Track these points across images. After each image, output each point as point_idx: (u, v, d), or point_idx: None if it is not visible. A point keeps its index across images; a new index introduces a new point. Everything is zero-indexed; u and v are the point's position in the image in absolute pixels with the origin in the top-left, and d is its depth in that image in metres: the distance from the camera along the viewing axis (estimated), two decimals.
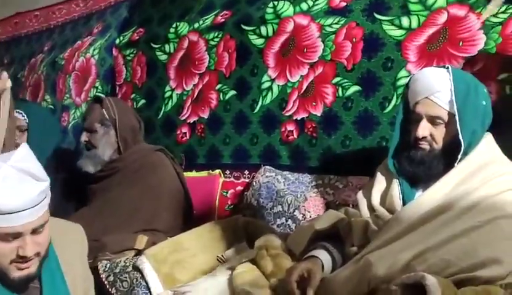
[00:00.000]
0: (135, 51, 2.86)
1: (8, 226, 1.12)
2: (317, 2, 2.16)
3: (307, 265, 1.26)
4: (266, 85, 2.29)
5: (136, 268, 1.60)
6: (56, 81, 3.31)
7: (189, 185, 2.22)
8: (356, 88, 2.02)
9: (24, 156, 1.17)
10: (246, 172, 2.35)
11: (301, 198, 2.01)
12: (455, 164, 1.34)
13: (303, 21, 2.17)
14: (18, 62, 3.91)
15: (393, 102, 1.92)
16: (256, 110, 2.32)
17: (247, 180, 2.33)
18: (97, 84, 3.03)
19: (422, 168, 1.38)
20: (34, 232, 1.16)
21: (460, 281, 1.08)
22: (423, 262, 1.12)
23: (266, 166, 2.23)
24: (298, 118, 2.19)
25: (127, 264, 1.67)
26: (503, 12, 1.71)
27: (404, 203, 1.40)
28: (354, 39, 2.03)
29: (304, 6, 2.19)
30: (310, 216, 1.94)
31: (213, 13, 2.54)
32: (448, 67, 1.41)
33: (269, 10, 2.27)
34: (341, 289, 1.17)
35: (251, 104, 2.34)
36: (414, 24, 1.90)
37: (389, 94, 1.94)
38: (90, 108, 2.25)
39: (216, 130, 2.47)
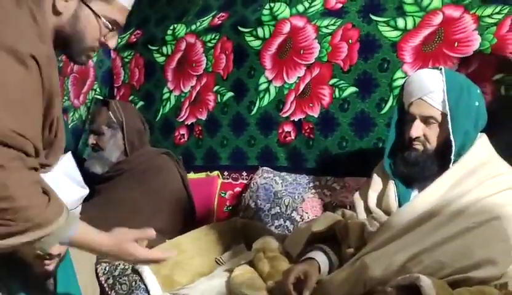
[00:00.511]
0: (132, 53, 2.86)
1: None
2: (313, 4, 2.17)
3: (303, 267, 1.27)
4: (263, 86, 2.30)
5: (135, 271, 1.60)
6: None
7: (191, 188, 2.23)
8: (352, 89, 2.03)
9: (70, 163, 1.23)
10: (244, 173, 2.36)
11: (298, 200, 2.02)
12: (450, 165, 1.35)
13: (300, 22, 2.18)
14: None
15: (389, 103, 1.94)
16: (253, 112, 2.33)
17: (245, 181, 2.34)
18: (95, 86, 3.03)
19: (416, 168, 1.39)
20: None
21: (454, 282, 1.09)
22: (418, 264, 1.13)
23: (264, 168, 2.24)
24: (296, 120, 2.20)
25: (126, 267, 1.68)
26: (497, 13, 1.72)
27: (400, 204, 1.41)
28: (350, 40, 2.04)
29: (300, 8, 2.20)
30: (308, 217, 1.95)
31: (210, 15, 2.54)
32: (441, 69, 1.42)
33: (266, 12, 2.28)
34: (338, 291, 1.18)
35: (248, 105, 2.35)
36: (410, 25, 1.91)
37: (386, 96, 1.95)
38: (97, 111, 2.27)
39: (214, 132, 2.48)
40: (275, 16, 2.25)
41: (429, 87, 1.40)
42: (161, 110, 2.69)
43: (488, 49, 1.73)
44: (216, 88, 2.47)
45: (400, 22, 1.93)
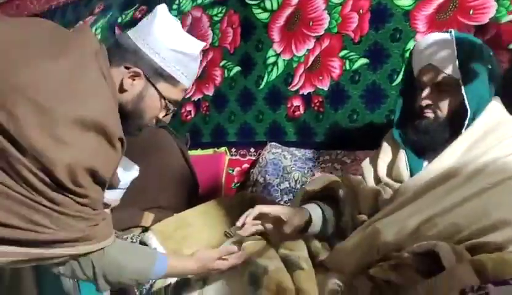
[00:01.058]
0: None
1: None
2: None
3: (286, 210, 1.28)
4: (271, 60, 2.25)
5: (144, 244, 1.57)
6: None
7: (195, 164, 2.19)
8: (363, 60, 1.98)
9: None
10: (252, 149, 2.33)
11: (308, 174, 1.98)
12: (462, 130, 1.28)
13: None
14: None
15: (402, 74, 1.88)
16: (261, 87, 2.29)
17: (253, 157, 2.31)
18: None
19: (427, 137, 1.32)
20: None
21: (472, 247, 1.05)
22: (433, 227, 1.08)
23: (272, 143, 2.20)
24: (305, 93, 2.15)
25: (134, 240, 1.66)
26: None
27: (412, 174, 1.36)
28: (361, 11, 1.99)
29: None
30: None
31: None
32: (451, 31, 1.33)
33: None
34: (350, 257, 1.14)
35: (256, 80, 2.31)
36: None
37: (398, 67, 1.90)
38: None
39: (221, 108, 2.44)
40: None
41: (439, 52, 1.32)
42: None
43: (504, 16, 1.67)
44: (223, 62, 2.42)
45: None
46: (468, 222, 1.06)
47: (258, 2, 2.27)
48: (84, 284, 1.37)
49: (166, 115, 1.25)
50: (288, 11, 2.19)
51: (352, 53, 2.01)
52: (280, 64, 2.22)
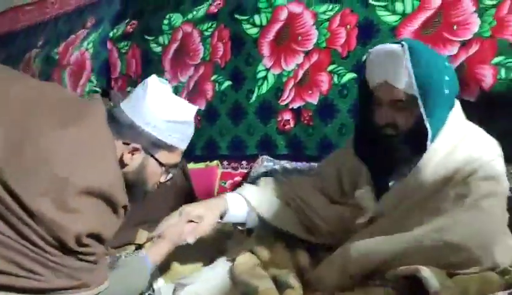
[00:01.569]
0: (129, 44, 2.85)
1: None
2: None
3: (200, 210, 1.36)
4: (261, 74, 2.28)
5: None
6: (51, 75, 3.30)
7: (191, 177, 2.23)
8: (351, 75, 2.02)
9: None
10: (244, 162, 2.36)
11: None
12: (427, 147, 1.24)
13: (297, 9, 2.16)
14: (13, 57, 3.90)
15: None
16: (252, 100, 2.32)
17: (245, 170, 2.34)
18: (92, 78, 3.02)
19: (390, 156, 1.30)
20: None
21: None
22: (405, 259, 1.11)
23: (264, 156, 2.23)
24: (295, 107, 2.18)
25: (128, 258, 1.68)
26: None
27: (377, 193, 1.35)
28: (348, 26, 2.03)
29: None
30: None
31: (206, 3, 2.52)
32: (403, 44, 1.26)
33: None
34: (327, 277, 1.19)
35: (247, 94, 2.34)
36: (408, 9, 1.89)
37: None
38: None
39: (212, 121, 2.47)
40: (272, 3, 2.23)
41: (394, 68, 1.25)
42: None
43: (487, 32, 1.71)
44: (214, 77, 2.46)
45: (399, 6, 1.90)
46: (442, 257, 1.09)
47: (247, 17, 2.31)
48: None
49: (168, 179, 1.30)
50: (277, 26, 2.23)
51: (340, 68, 2.05)
52: (270, 78, 2.26)
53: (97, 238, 1.05)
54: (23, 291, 0.97)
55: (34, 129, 1.02)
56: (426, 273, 0.99)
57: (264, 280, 1.20)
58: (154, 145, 1.20)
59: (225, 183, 2.36)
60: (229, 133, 2.42)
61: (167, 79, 2.64)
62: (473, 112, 1.71)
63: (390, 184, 1.33)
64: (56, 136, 1.02)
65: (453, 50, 1.77)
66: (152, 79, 1.24)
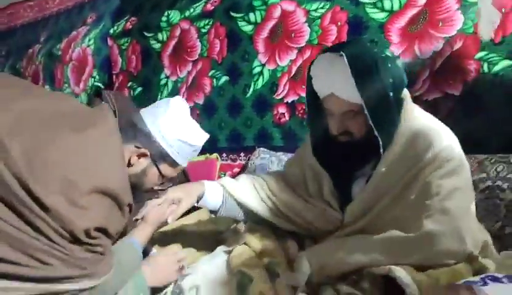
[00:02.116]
0: (129, 41, 2.92)
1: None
2: None
3: (178, 193, 1.41)
4: (257, 70, 2.37)
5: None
6: (54, 71, 3.39)
7: (189, 169, 2.31)
8: None
9: None
10: (242, 154, 2.45)
11: None
12: (381, 152, 1.25)
13: (290, 7, 2.24)
14: (15, 53, 3.97)
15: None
16: (248, 95, 2.41)
17: (243, 162, 2.44)
18: (94, 73, 3.10)
19: (346, 160, 1.31)
20: None
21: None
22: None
23: (261, 148, 2.33)
24: (289, 101, 2.27)
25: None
26: None
27: (341, 199, 1.39)
28: (339, 23, 2.10)
29: None
30: None
31: (203, 1, 2.60)
32: (342, 54, 1.23)
33: None
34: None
35: (243, 88, 2.43)
36: (396, 7, 1.96)
37: None
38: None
39: (211, 115, 2.56)
40: (266, 1, 2.30)
41: (338, 80, 1.24)
42: (159, 95, 2.77)
43: (470, 28, 1.79)
44: (211, 72, 2.54)
45: (387, 3, 1.98)
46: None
47: (242, 14, 2.38)
48: None
49: (161, 189, 1.41)
50: (271, 23, 2.30)
51: None
52: (266, 73, 2.34)
53: (104, 231, 1.15)
54: (36, 280, 1.07)
55: (47, 137, 1.12)
56: (399, 272, 1.07)
57: (257, 269, 1.29)
58: (160, 157, 1.31)
59: (225, 174, 2.46)
60: (227, 126, 2.51)
61: (167, 75, 2.73)
62: (458, 105, 1.81)
63: (354, 189, 1.37)
64: (68, 142, 1.13)
65: (439, 45, 1.85)
66: (176, 99, 1.34)
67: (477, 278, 1.10)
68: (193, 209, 1.97)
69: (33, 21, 3.93)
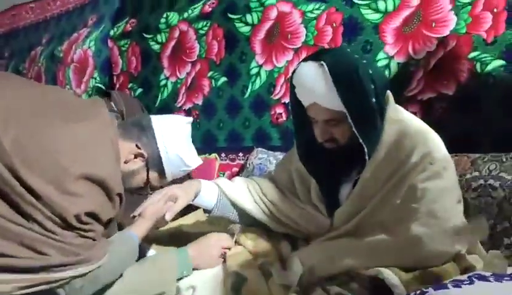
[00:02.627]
0: (129, 42, 2.96)
1: None
2: None
3: (176, 191, 1.42)
4: (254, 70, 2.39)
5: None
6: (56, 73, 3.43)
7: None
8: None
9: None
10: (240, 154, 2.48)
11: None
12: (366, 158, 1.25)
13: (286, 8, 2.26)
14: (18, 54, 4.02)
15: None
16: (246, 95, 2.44)
17: (242, 162, 2.46)
18: (95, 75, 3.13)
19: (332, 166, 1.34)
20: None
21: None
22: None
23: (259, 148, 2.35)
24: (286, 102, 2.29)
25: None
26: None
27: (329, 203, 1.40)
28: (334, 24, 2.12)
29: None
30: None
31: (201, 2, 2.63)
32: (322, 64, 1.24)
33: None
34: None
35: (241, 89, 2.46)
36: (390, 8, 1.98)
37: None
38: None
39: (210, 116, 2.59)
40: (262, 3, 2.33)
41: (320, 89, 1.24)
42: (160, 96, 2.80)
43: (463, 28, 1.80)
44: (210, 73, 2.57)
45: (381, 4, 2.00)
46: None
47: (239, 16, 2.41)
48: None
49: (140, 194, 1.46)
50: (268, 25, 2.33)
51: None
52: (263, 74, 2.37)
53: (95, 217, 1.18)
54: (33, 270, 1.11)
55: (38, 126, 1.16)
56: (387, 273, 1.10)
57: (252, 270, 1.33)
58: (154, 163, 1.37)
59: (224, 174, 2.49)
60: (226, 127, 2.54)
61: (166, 76, 2.76)
62: (451, 105, 1.83)
63: (341, 193, 1.39)
64: (59, 132, 1.17)
65: (432, 46, 1.87)
66: (189, 119, 1.42)
67: (464, 277, 1.13)
68: (190, 209, 2.01)
69: (35, 23, 3.97)
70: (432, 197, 1.19)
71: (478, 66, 1.77)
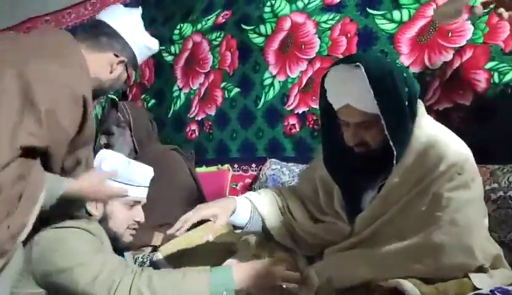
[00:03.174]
0: None
1: (139, 196, 1.56)
2: (312, 0, 2.24)
3: (214, 210, 1.43)
4: (267, 81, 2.39)
5: (153, 264, 1.72)
6: None
7: (201, 180, 2.34)
8: None
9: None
10: (253, 165, 2.47)
11: None
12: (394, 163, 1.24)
13: (300, 18, 2.26)
14: None
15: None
16: (260, 106, 2.43)
17: (255, 173, 2.45)
18: None
19: (361, 172, 1.32)
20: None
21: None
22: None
23: (272, 159, 2.34)
24: (300, 112, 2.29)
25: (145, 260, 1.81)
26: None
27: (350, 211, 1.38)
28: (348, 34, 2.12)
29: (300, 4, 2.28)
30: None
31: (215, 14, 2.64)
32: (359, 65, 1.23)
33: (267, 9, 2.36)
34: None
35: (255, 100, 2.45)
36: (405, 18, 1.97)
37: None
38: (106, 113, 2.40)
39: (223, 126, 2.58)
40: (276, 14, 2.33)
41: (354, 91, 1.24)
42: (172, 107, 2.80)
43: (480, 38, 1.79)
44: (223, 84, 2.57)
45: (396, 14, 1.99)
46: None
47: (253, 27, 2.41)
48: None
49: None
50: (281, 35, 2.33)
51: None
52: (276, 85, 2.36)
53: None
54: None
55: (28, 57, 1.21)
56: (407, 285, 1.08)
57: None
58: (130, 63, 1.49)
59: (236, 185, 2.48)
60: (239, 137, 2.53)
61: (179, 87, 2.76)
62: (468, 115, 1.81)
63: (364, 200, 1.36)
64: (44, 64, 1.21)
65: (448, 56, 1.85)
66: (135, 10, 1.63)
67: (486, 291, 1.10)
68: (203, 221, 2.00)
69: None
70: (457, 206, 1.17)
71: (496, 76, 1.76)
